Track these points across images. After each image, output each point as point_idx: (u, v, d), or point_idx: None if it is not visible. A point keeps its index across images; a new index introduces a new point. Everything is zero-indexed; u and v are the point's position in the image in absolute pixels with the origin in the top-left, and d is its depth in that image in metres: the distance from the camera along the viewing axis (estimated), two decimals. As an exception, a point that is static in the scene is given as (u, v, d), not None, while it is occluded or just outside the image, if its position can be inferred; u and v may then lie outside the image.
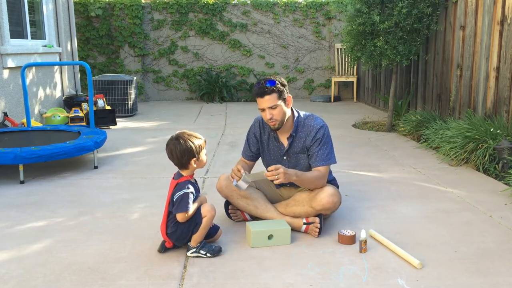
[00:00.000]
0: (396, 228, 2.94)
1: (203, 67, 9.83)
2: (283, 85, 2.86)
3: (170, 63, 9.78)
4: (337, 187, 3.14)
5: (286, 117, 2.90)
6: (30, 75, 6.58)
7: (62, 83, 7.89)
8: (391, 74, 6.98)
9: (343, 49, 8.95)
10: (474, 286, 2.23)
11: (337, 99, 9.60)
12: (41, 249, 2.67)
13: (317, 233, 2.78)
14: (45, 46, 7.20)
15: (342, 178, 3.96)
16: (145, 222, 3.08)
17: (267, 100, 2.79)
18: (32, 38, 6.94)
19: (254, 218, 3.03)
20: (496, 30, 4.60)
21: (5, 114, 5.73)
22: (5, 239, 2.82)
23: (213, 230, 2.70)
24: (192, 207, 2.51)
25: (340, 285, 2.25)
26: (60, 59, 7.73)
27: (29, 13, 6.87)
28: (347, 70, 9.48)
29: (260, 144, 3.07)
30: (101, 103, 6.87)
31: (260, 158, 3.17)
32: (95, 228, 2.99)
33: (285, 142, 2.99)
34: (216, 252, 2.56)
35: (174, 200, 2.51)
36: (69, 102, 7.24)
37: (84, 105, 6.95)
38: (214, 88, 9.52)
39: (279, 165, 2.65)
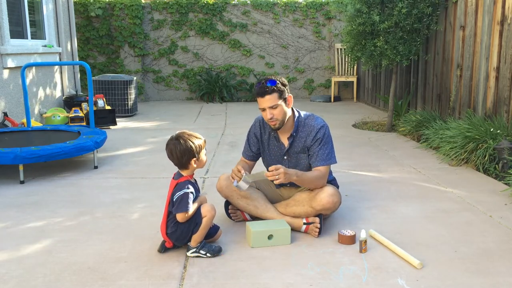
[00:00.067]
0: (396, 228, 2.94)
1: (203, 67, 9.83)
2: (284, 85, 2.86)
3: (170, 63, 9.78)
4: (337, 187, 3.14)
5: (287, 117, 2.90)
6: (30, 75, 6.58)
7: (62, 83, 7.89)
8: (391, 74, 6.98)
9: (343, 49, 8.95)
10: (474, 286, 2.23)
11: (337, 99, 9.60)
12: (41, 249, 2.67)
13: (317, 233, 2.78)
14: (45, 46, 7.20)
15: (342, 178, 3.96)
16: (145, 222, 3.08)
17: (267, 100, 2.79)
18: (32, 38, 6.94)
19: (254, 218, 3.03)
20: (496, 30, 4.60)
21: (5, 114, 5.73)
22: (5, 239, 2.82)
23: (213, 230, 2.70)
24: (192, 207, 2.51)
25: (340, 285, 2.25)
26: (60, 59, 7.73)
27: (29, 13, 6.87)
28: (347, 70, 9.48)
29: (261, 144, 3.07)
30: (101, 103, 6.87)
31: (260, 158, 3.17)
32: (95, 228, 2.99)
33: (285, 142, 2.99)
34: (216, 252, 2.56)
35: (174, 200, 2.51)
36: (69, 102, 7.24)
37: (84, 105, 6.95)
38: (214, 88, 9.52)
39: (279, 165, 2.65)
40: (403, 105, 6.65)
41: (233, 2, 9.70)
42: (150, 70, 9.75)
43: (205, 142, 2.62)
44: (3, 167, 4.42)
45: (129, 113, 7.76)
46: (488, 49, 4.74)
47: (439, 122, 5.21)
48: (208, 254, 2.54)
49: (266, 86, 2.79)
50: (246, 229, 2.79)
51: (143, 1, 9.53)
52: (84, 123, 6.57)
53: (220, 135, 6.05)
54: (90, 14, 9.17)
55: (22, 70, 5.15)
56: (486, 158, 4.11)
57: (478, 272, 2.36)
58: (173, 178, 2.60)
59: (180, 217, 2.49)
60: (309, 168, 2.96)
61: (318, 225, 2.79)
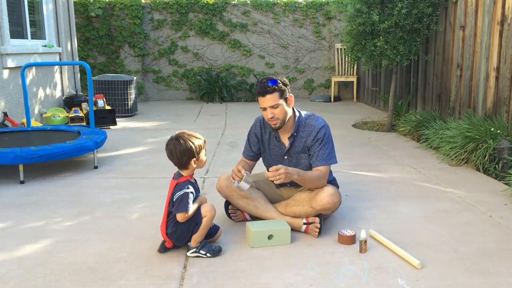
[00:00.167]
0: (396, 228, 2.94)
1: (203, 67, 9.83)
2: (285, 85, 2.86)
3: (170, 63, 9.78)
4: (337, 187, 3.14)
5: (288, 117, 2.90)
6: (30, 75, 6.58)
7: (62, 83, 7.89)
8: (391, 74, 6.98)
9: (343, 49, 8.95)
10: (474, 286, 2.23)
11: (337, 99, 9.60)
12: (41, 249, 2.67)
13: (317, 233, 2.78)
14: (45, 46, 7.20)
15: (342, 178, 3.96)
16: (145, 222, 3.08)
17: (268, 99, 2.80)
18: (32, 38, 6.94)
19: (254, 218, 3.03)
20: (496, 30, 4.60)
21: (5, 114, 5.73)
22: (5, 239, 2.82)
23: (213, 230, 2.70)
24: (192, 207, 2.51)
25: (340, 285, 2.25)
26: (60, 59, 7.73)
27: (29, 13, 6.87)
28: (347, 70, 9.48)
29: (261, 143, 3.07)
30: (101, 103, 6.87)
31: (260, 158, 3.17)
32: (95, 228, 2.99)
33: (286, 141, 2.99)
34: (216, 252, 2.56)
35: (174, 200, 2.51)
36: (69, 102, 7.24)
37: (84, 105, 6.95)
38: (214, 88, 9.52)
39: (280, 166, 2.65)
40: (403, 105, 6.65)
41: (233, 2, 9.70)
42: (150, 70, 9.75)
43: (205, 142, 2.62)
44: (3, 167, 4.42)
45: (129, 113, 7.76)
46: (488, 49, 4.74)
47: (439, 122, 5.21)
48: (208, 254, 2.54)
49: (267, 86, 2.79)
50: (246, 229, 2.79)
51: (143, 1, 9.53)
52: (84, 123, 6.57)
53: (220, 135, 6.06)
54: (90, 14, 9.17)
55: (22, 70, 5.15)
56: (486, 158, 4.11)
57: (478, 272, 2.36)
58: (173, 178, 2.60)
59: (180, 217, 2.49)
60: (309, 168, 2.96)
61: (318, 225, 2.79)
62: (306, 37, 9.88)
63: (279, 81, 2.82)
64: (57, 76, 7.67)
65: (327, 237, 2.80)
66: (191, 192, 2.52)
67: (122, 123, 7.10)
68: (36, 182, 4.02)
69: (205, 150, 2.63)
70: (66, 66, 7.93)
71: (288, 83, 2.90)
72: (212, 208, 2.56)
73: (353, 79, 9.31)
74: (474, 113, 4.97)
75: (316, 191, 2.87)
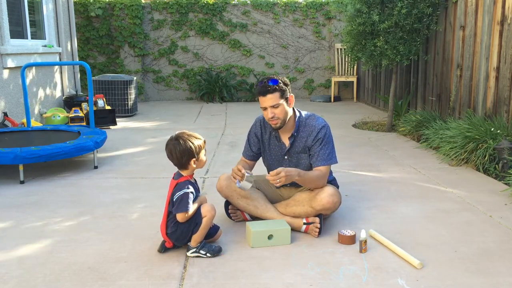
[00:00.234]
0: (396, 228, 2.94)
1: (203, 67, 9.83)
2: (286, 84, 2.86)
3: (170, 63, 9.78)
4: (337, 187, 3.14)
5: (288, 117, 2.90)
6: (30, 75, 6.58)
7: (62, 83, 7.89)
8: (391, 74, 6.98)
9: (343, 49, 8.95)
10: (474, 286, 2.23)
11: (337, 99, 9.60)
12: (41, 249, 2.67)
13: (317, 233, 2.78)
14: (45, 46, 7.20)
15: (342, 178, 3.96)
16: (145, 222, 3.08)
17: (269, 99, 2.80)
18: (32, 38, 6.94)
19: (254, 218, 3.03)
20: (496, 30, 4.60)
21: (5, 114, 5.73)
22: (5, 239, 2.82)
23: (213, 230, 2.70)
24: (192, 207, 2.51)
25: (340, 285, 2.25)
26: (60, 59, 7.73)
27: (29, 13, 6.87)
28: (347, 70, 9.48)
29: (261, 143, 3.07)
30: (101, 103, 6.87)
31: (260, 158, 3.17)
32: (95, 228, 2.99)
33: (286, 141, 2.99)
34: (216, 252, 2.56)
35: (174, 200, 2.51)
36: (69, 102, 7.24)
37: (84, 105, 6.95)
38: (214, 88, 9.52)
39: (280, 169, 2.64)
40: (403, 105, 6.65)
41: (233, 2, 9.70)
42: (150, 70, 9.75)
43: (204, 142, 2.62)
44: (3, 167, 4.42)
45: (129, 113, 7.76)
46: (488, 49, 4.74)
47: (439, 122, 5.21)
48: (208, 254, 2.54)
49: (268, 85, 2.79)
50: (246, 229, 2.79)
51: (143, 1, 9.53)
52: (84, 123, 6.57)
53: (220, 135, 6.05)
54: (90, 14, 9.17)
55: (22, 70, 5.15)
56: (486, 158, 4.11)
57: (478, 272, 2.36)
58: (173, 178, 2.60)
59: (180, 217, 2.49)
60: (309, 168, 2.96)
61: (318, 225, 2.79)
62: (306, 37, 9.88)
63: (280, 80, 2.83)
64: (57, 76, 7.67)
65: (327, 237, 2.80)
66: (191, 192, 2.52)
67: (122, 123, 7.10)
68: (36, 182, 4.02)
69: (205, 150, 2.63)
70: (66, 66, 7.93)
71: (288, 83, 2.91)
72: (212, 208, 2.56)
73: (353, 79, 9.31)
74: (474, 113, 4.97)
75: (316, 191, 2.87)
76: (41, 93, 6.94)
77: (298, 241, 2.76)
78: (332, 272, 2.37)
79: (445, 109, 5.69)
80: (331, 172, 3.08)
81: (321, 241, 2.76)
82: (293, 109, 2.97)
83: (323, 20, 9.84)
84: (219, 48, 9.84)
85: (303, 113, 3.01)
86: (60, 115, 6.66)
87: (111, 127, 6.74)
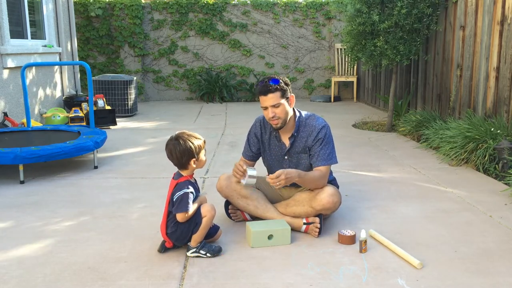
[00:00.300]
0: (396, 228, 2.94)
1: (203, 67, 9.83)
2: (287, 84, 2.87)
3: (170, 63, 9.78)
4: (337, 187, 3.14)
5: (289, 117, 2.90)
6: (30, 75, 6.58)
7: (62, 83, 7.89)
8: (391, 74, 6.98)
9: (343, 49, 8.95)
10: (474, 286, 2.23)
11: (337, 99, 9.60)
12: (41, 249, 2.67)
13: (317, 233, 2.78)
14: (45, 46, 7.20)
15: (342, 178, 3.96)
16: (145, 222, 3.08)
17: (270, 98, 2.80)
18: (32, 38, 6.94)
19: (254, 218, 3.03)
20: (496, 30, 4.60)
21: (5, 114, 5.73)
22: (5, 239, 2.82)
23: (213, 230, 2.70)
24: (192, 207, 2.51)
25: (340, 285, 2.25)
26: (60, 59, 7.73)
27: (29, 13, 6.87)
28: (347, 70, 9.48)
29: (261, 144, 3.07)
30: (101, 103, 6.87)
31: (260, 158, 3.17)
32: (95, 228, 2.99)
33: (286, 142, 2.99)
34: (216, 252, 2.56)
35: (174, 200, 2.51)
36: (69, 102, 7.24)
37: (84, 105, 6.95)
38: (214, 88, 9.52)
39: (280, 172, 2.64)
40: (403, 105, 6.65)
41: (233, 2, 9.70)
42: (150, 70, 9.75)
43: (204, 142, 2.62)
44: (3, 167, 4.42)
45: (129, 113, 7.76)
46: (488, 49, 4.74)
47: (439, 122, 5.21)
48: (208, 254, 2.54)
49: (269, 85, 2.80)
50: (246, 229, 2.79)
51: (143, 1, 9.53)
52: (84, 123, 6.57)
53: (220, 135, 6.06)
54: (90, 14, 9.17)
55: (22, 70, 5.15)
56: (486, 158, 4.11)
57: (478, 272, 2.36)
58: (173, 178, 2.60)
59: (180, 217, 2.49)
60: (310, 168, 2.96)
61: (318, 225, 2.79)
62: (306, 37, 9.88)
63: (281, 80, 2.84)
64: (57, 76, 7.67)
65: (327, 237, 2.80)
66: (191, 192, 2.52)
67: (122, 123, 7.10)
68: (36, 182, 4.02)
69: (205, 150, 2.63)
70: (66, 66, 7.93)
71: (289, 83, 2.91)
72: (212, 208, 2.56)
73: (353, 79, 9.31)
74: (474, 113, 4.97)
75: (316, 191, 2.87)
76: (41, 93, 6.94)
77: (298, 241, 2.76)
78: (332, 272, 2.37)
79: (445, 109, 5.69)
80: (331, 172, 3.08)
81: (321, 241, 2.76)
82: (293, 109, 2.97)
83: (323, 20, 9.84)
84: (219, 48, 9.84)
85: (303, 113, 3.01)
86: (60, 115, 6.66)
87: (111, 127, 6.74)
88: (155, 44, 9.68)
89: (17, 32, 6.55)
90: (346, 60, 9.35)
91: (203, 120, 7.30)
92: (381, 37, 5.60)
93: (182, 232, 2.54)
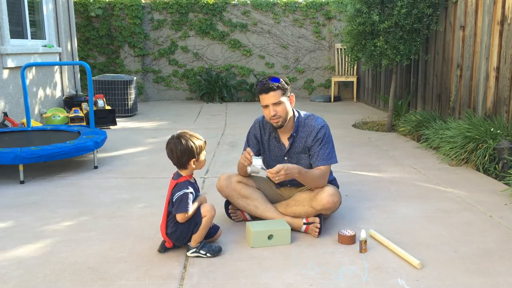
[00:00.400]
0: (396, 228, 2.94)
1: (203, 67, 9.83)
2: (287, 84, 2.90)
3: (170, 63, 9.78)
4: (337, 187, 3.14)
5: (289, 116, 2.91)
6: (30, 75, 6.58)
7: (62, 83, 7.89)
8: (391, 74, 6.98)
9: (343, 49, 8.95)
10: (474, 286, 2.23)
11: (337, 99, 9.60)
12: (41, 249, 2.67)
13: (317, 233, 2.78)
14: (45, 46, 7.20)
15: (342, 178, 3.96)
16: (145, 222, 3.08)
17: (271, 96, 2.81)
18: (32, 38, 6.94)
19: (254, 218, 3.03)
20: (496, 30, 4.60)
21: (5, 114, 5.73)
22: (5, 239, 2.82)
23: (213, 230, 2.70)
24: (191, 208, 2.51)
25: (340, 285, 2.25)
26: (60, 59, 7.73)
27: (29, 13, 6.87)
28: (347, 70, 9.48)
29: (261, 145, 3.07)
30: (101, 103, 6.87)
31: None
32: (95, 228, 2.99)
33: (286, 142, 2.99)
34: (216, 252, 2.56)
35: (174, 200, 2.50)
36: (69, 102, 7.24)
37: (84, 105, 6.95)
38: (214, 88, 9.52)
39: (280, 167, 2.64)
40: (403, 105, 6.65)
41: (233, 2, 9.70)
42: (150, 70, 9.75)
43: (205, 143, 2.62)
44: (3, 167, 4.42)
45: (129, 113, 7.76)
46: (488, 49, 4.74)
47: (439, 122, 5.21)
48: (208, 254, 2.54)
49: (270, 83, 2.82)
50: (246, 229, 2.79)
51: (143, 1, 9.53)
52: (84, 123, 6.57)
53: (220, 135, 6.06)
54: (90, 14, 9.17)
55: (22, 70, 5.15)
56: (486, 158, 4.11)
57: (478, 272, 2.36)
58: (172, 178, 2.60)
59: (180, 217, 2.49)
60: (310, 168, 2.95)
61: (318, 225, 2.79)
62: (306, 37, 9.88)
63: (281, 79, 2.86)
64: (57, 76, 7.67)
65: (327, 237, 2.80)
66: (191, 193, 2.52)
67: (122, 123, 7.10)
68: (36, 182, 4.02)
69: (205, 151, 2.63)
70: (66, 66, 7.93)
71: (289, 83, 2.93)
72: (212, 208, 2.56)
73: (353, 79, 9.31)
74: (474, 113, 4.97)
75: (316, 191, 2.87)
76: (41, 93, 6.94)
77: (298, 241, 2.76)
78: (332, 272, 2.37)
79: (445, 109, 5.69)
80: (331, 172, 3.08)
81: (321, 241, 2.76)
82: (292, 109, 2.98)
83: (323, 20, 9.84)
84: (219, 48, 9.84)
85: (302, 113, 3.02)
86: (60, 115, 6.66)
87: (111, 127, 6.74)
88: (155, 44, 9.68)
89: (17, 32, 6.55)
90: (346, 60, 9.35)
91: (203, 120, 7.30)
92: (381, 37, 5.60)
93: (182, 232, 2.54)
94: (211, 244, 2.60)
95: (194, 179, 2.64)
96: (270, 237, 2.68)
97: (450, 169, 4.32)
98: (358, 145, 5.40)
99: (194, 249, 2.54)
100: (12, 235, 2.88)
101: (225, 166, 4.51)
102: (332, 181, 3.13)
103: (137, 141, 5.76)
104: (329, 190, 2.83)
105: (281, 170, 2.63)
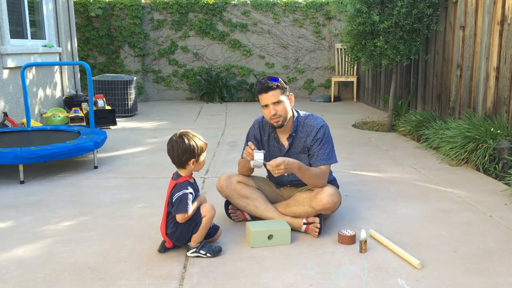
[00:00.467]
0: (396, 228, 2.94)
1: (203, 67, 9.83)
2: (286, 84, 2.92)
3: (170, 63, 9.78)
4: (337, 187, 3.14)
5: (289, 115, 2.91)
6: (30, 75, 6.58)
7: (62, 83, 7.89)
8: (391, 74, 6.98)
9: (343, 49, 8.95)
10: (474, 286, 2.23)
11: (337, 99, 9.60)
12: (41, 249, 2.67)
13: (317, 233, 2.78)
14: (45, 46, 7.20)
15: (342, 178, 3.96)
16: (145, 222, 3.08)
17: (271, 96, 2.82)
18: (32, 38, 6.94)
19: (254, 218, 3.03)
20: (496, 30, 4.60)
21: (5, 114, 5.73)
22: (5, 239, 2.82)
23: (213, 230, 2.70)
24: (191, 208, 2.51)
25: (340, 285, 2.25)
26: (60, 59, 7.73)
27: (29, 13, 6.87)
28: (347, 70, 9.48)
29: (261, 145, 3.07)
30: (101, 103, 6.87)
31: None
32: (95, 228, 2.99)
33: (285, 142, 2.99)
34: (216, 252, 2.56)
35: (173, 201, 2.50)
36: (69, 102, 7.24)
37: (84, 105, 6.95)
38: (214, 88, 9.52)
39: (280, 161, 2.64)
40: (403, 105, 6.65)
41: (233, 2, 9.70)
42: (150, 70, 9.76)
43: (206, 145, 2.62)
44: (3, 167, 4.42)
45: (129, 113, 7.76)
46: (488, 49, 4.74)
47: (439, 122, 5.21)
48: (208, 254, 2.54)
49: (269, 82, 2.83)
50: (246, 229, 2.79)
51: (143, 1, 9.53)
52: (84, 123, 6.57)
53: (220, 135, 6.06)
54: (90, 14, 9.17)
55: (22, 70, 5.15)
56: (486, 158, 4.11)
57: (478, 272, 2.36)
58: (171, 178, 2.60)
59: (179, 217, 2.49)
60: (309, 168, 2.96)
61: (318, 225, 2.79)
62: (306, 37, 9.88)
63: (280, 79, 2.87)
64: (57, 76, 7.67)
65: (327, 237, 2.80)
66: (190, 193, 2.52)
67: (122, 123, 7.10)
68: (36, 182, 4.02)
69: (205, 153, 2.63)
70: (66, 66, 7.93)
71: (288, 83, 2.94)
72: (211, 208, 2.56)
73: (353, 79, 9.31)
74: (474, 113, 4.97)
75: (316, 191, 2.87)
76: (41, 93, 6.94)
77: (298, 241, 2.76)
78: (332, 272, 2.37)
79: (445, 109, 5.69)
80: (331, 172, 3.08)
81: (321, 241, 2.76)
82: (292, 109, 2.98)
83: (323, 20, 9.84)
84: (219, 48, 9.84)
85: (301, 113, 3.02)
86: (60, 115, 6.66)
87: (111, 127, 6.74)
88: (155, 44, 9.68)
89: (17, 32, 6.55)
90: (346, 60, 9.35)
91: (203, 120, 7.30)
92: (381, 37, 5.60)
93: (182, 232, 2.54)
94: (211, 244, 2.60)
95: (194, 179, 2.64)
96: (270, 237, 2.68)
97: (450, 169, 4.32)
98: (358, 145, 5.40)
99: (194, 249, 2.54)
100: (12, 235, 2.89)
101: (225, 166, 4.51)
102: (332, 181, 3.13)
103: (137, 141, 5.76)
104: (329, 190, 2.83)
105: (282, 163, 2.63)
